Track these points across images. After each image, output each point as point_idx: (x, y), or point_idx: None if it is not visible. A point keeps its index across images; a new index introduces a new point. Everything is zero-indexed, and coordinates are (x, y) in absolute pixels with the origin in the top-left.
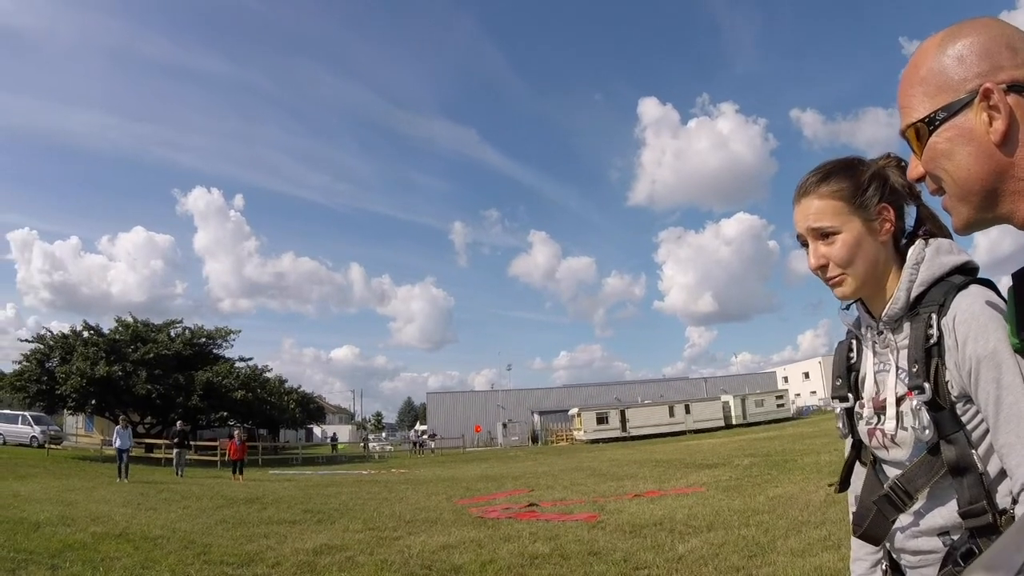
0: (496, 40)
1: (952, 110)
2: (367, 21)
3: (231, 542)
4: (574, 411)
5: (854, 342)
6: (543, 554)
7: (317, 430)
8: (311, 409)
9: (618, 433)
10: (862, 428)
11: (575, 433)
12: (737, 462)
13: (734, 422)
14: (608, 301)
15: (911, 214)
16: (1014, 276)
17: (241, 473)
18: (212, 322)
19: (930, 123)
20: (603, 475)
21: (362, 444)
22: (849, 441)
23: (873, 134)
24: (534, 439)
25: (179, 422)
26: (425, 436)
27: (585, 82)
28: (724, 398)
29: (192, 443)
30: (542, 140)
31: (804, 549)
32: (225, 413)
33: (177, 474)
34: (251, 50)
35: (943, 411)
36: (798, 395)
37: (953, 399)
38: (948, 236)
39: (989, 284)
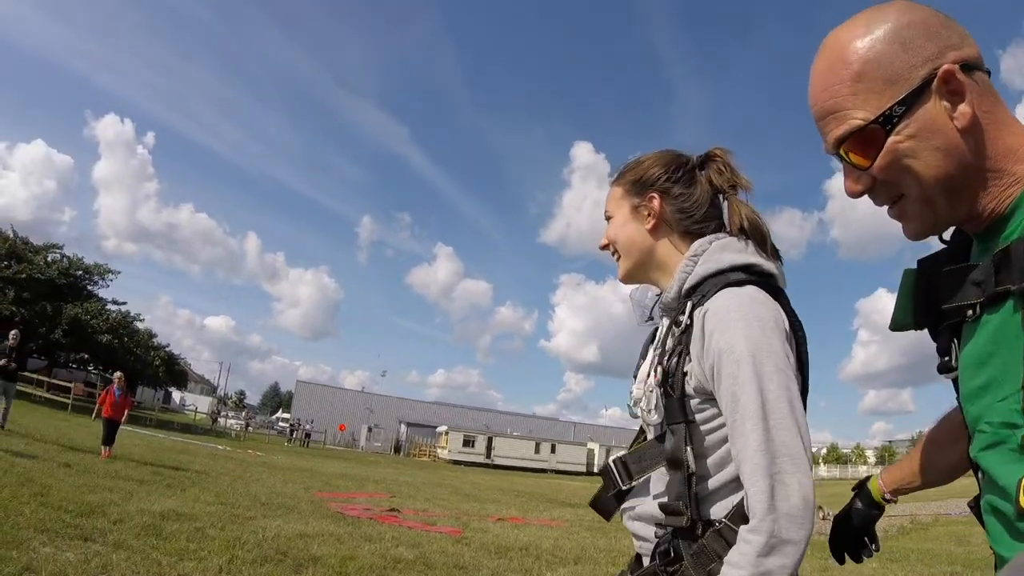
0: (456, 45)
1: (909, 103)
2: None
3: (73, 489)
4: (443, 428)
5: None
6: (407, 560)
7: (176, 395)
8: (175, 371)
9: (482, 459)
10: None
11: (439, 451)
12: None
13: (596, 470)
14: (496, 329)
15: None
16: (919, 262)
17: (112, 443)
18: (93, 258)
19: (886, 122)
20: (466, 495)
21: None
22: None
23: (784, 233)
24: (397, 449)
25: (12, 333)
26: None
27: (530, 112)
28: (591, 445)
29: (44, 379)
30: (472, 156)
31: None
32: (86, 355)
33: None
34: None
35: (671, 399)
36: None
37: (688, 392)
38: (759, 236)
39: (773, 289)
